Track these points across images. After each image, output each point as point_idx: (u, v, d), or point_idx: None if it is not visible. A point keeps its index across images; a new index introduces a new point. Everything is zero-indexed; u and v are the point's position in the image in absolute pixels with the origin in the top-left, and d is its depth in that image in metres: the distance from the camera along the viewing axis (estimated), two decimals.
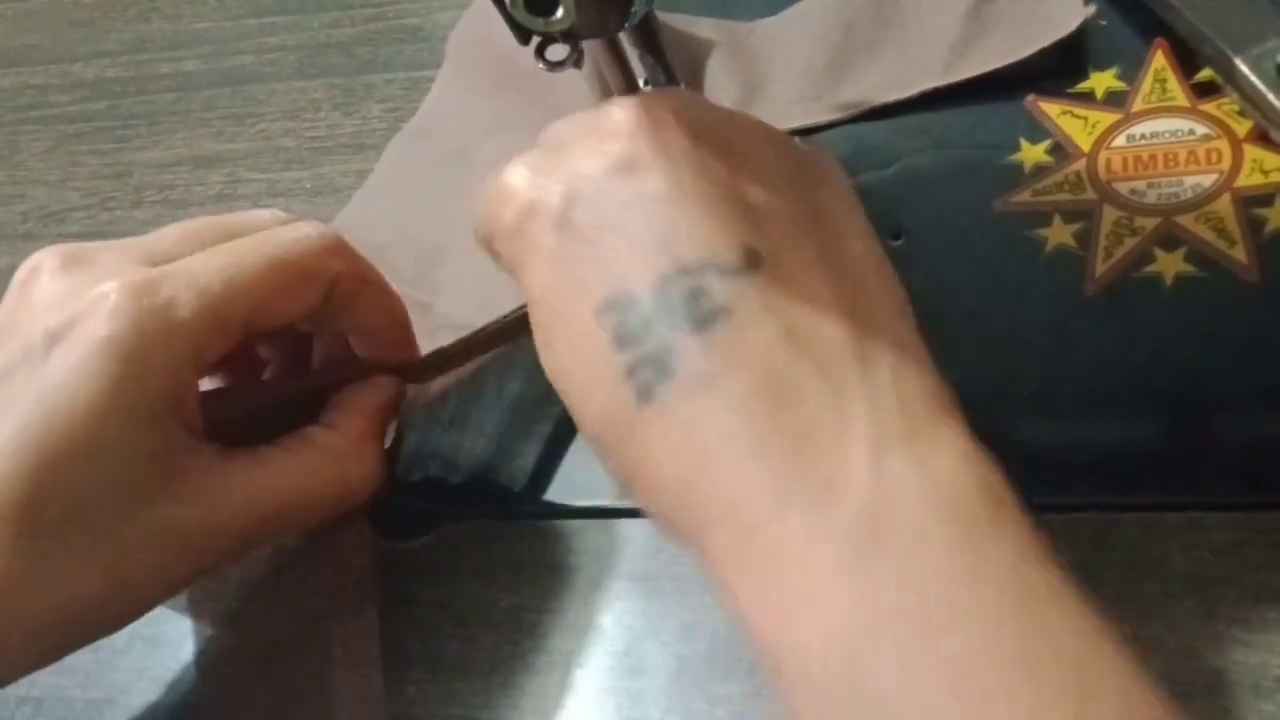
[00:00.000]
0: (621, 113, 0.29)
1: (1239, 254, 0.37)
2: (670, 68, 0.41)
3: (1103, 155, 0.41)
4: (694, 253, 0.26)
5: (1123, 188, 0.40)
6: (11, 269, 0.53)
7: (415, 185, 0.49)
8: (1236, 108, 0.40)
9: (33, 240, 0.56)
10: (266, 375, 0.39)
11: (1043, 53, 0.44)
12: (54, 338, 0.30)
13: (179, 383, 0.31)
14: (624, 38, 0.38)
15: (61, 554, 0.29)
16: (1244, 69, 0.39)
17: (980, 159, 0.43)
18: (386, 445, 0.38)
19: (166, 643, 0.39)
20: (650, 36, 0.39)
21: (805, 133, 0.46)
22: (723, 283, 0.26)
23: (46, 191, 0.58)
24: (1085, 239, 0.39)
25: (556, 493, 0.39)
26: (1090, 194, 0.40)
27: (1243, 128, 0.40)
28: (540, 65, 0.34)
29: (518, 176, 0.30)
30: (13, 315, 0.32)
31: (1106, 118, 0.42)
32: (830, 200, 0.30)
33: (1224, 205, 0.38)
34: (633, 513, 0.37)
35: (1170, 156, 0.40)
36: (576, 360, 0.28)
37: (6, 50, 0.69)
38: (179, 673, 0.38)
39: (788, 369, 0.25)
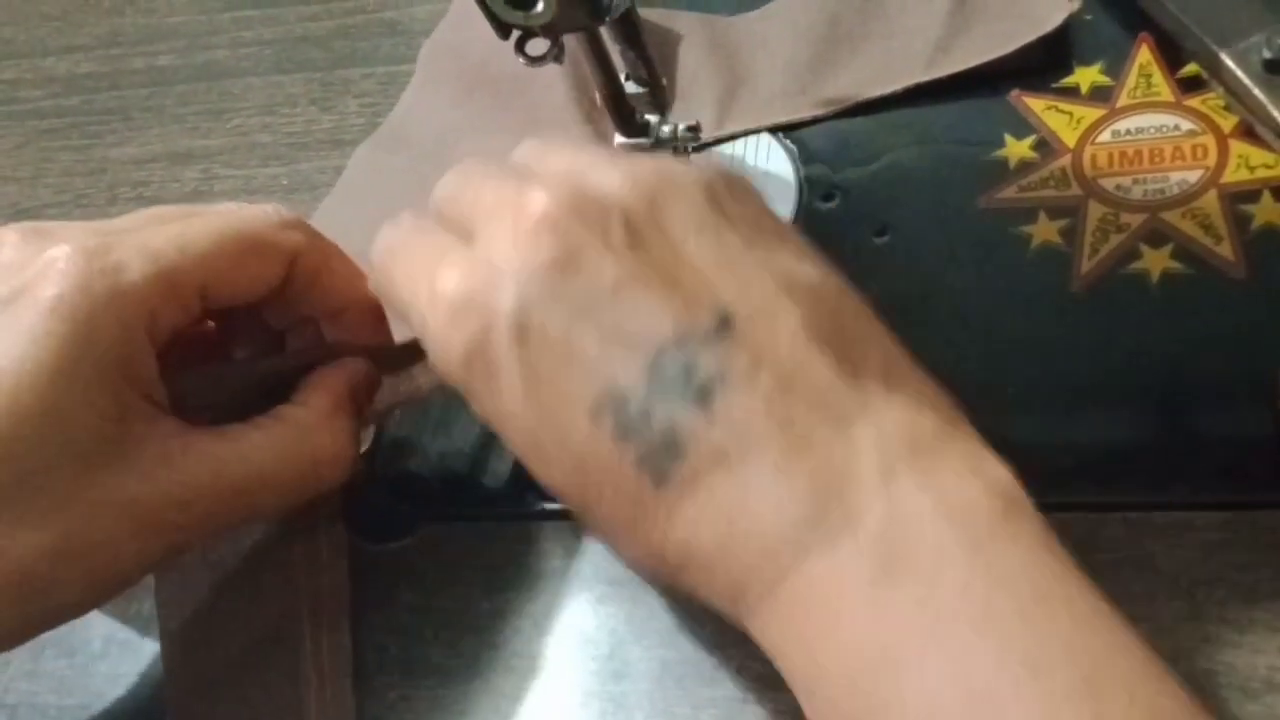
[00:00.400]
0: (537, 204, 0.28)
1: (1225, 250, 0.37)
2: (651, 62, 0.41)
3: (1088, 151, 0.41)
4: (669, 330, 0.26)
5: (1108, 184, 0.40)
6: None
7: (386, 192, 0.49)
8: (1222, 103, 0.40)
9: None
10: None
11: (1027, 48, 0.43)
12: (3, 303, 0.30)
13: (131, 346, 0.30)
14: (605, 33, 0.38)
15: (11, 521, 0.29)
16: (1229, 63, 0.39)
17: (965, 155, 0.42)
18: (366, 445, 0.37)
19: (142, 649, 0.38)
20: (631, 31, 0.39)
21: (789, 128, 0.46)
22: (706, 351, 0.26)
23: (18, 188, 0.57)
24: (1071, 235, 0.39)
25: (540, 494, 0.39)
26: (1075, 190, 0.40)
27: (1229, 123, 0.40)
28: (521, 60, 0.34)
29: (449, 289, 0.28)
30: None
31: (1091, 113, 0.42)
32: (758, 224, 0.30)
33: (1210, 201, 0.38)
34: None
35: (1156, 152, 0.40)
36: (580, 467, 0.27)
37: None
38: (155, 679, 0.37)
39: (789, 420, 0.25)
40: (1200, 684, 0.30)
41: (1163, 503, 0.33)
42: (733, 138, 0.46)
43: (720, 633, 0.34)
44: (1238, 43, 0.39)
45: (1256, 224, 0.37)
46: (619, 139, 0.42)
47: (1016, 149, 0.42)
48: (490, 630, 0.36)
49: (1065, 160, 0.41)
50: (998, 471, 0.26)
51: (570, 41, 0.35)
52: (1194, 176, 0.39)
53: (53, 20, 0.67)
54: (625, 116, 0.41)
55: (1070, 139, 0.41)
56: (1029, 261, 0.39)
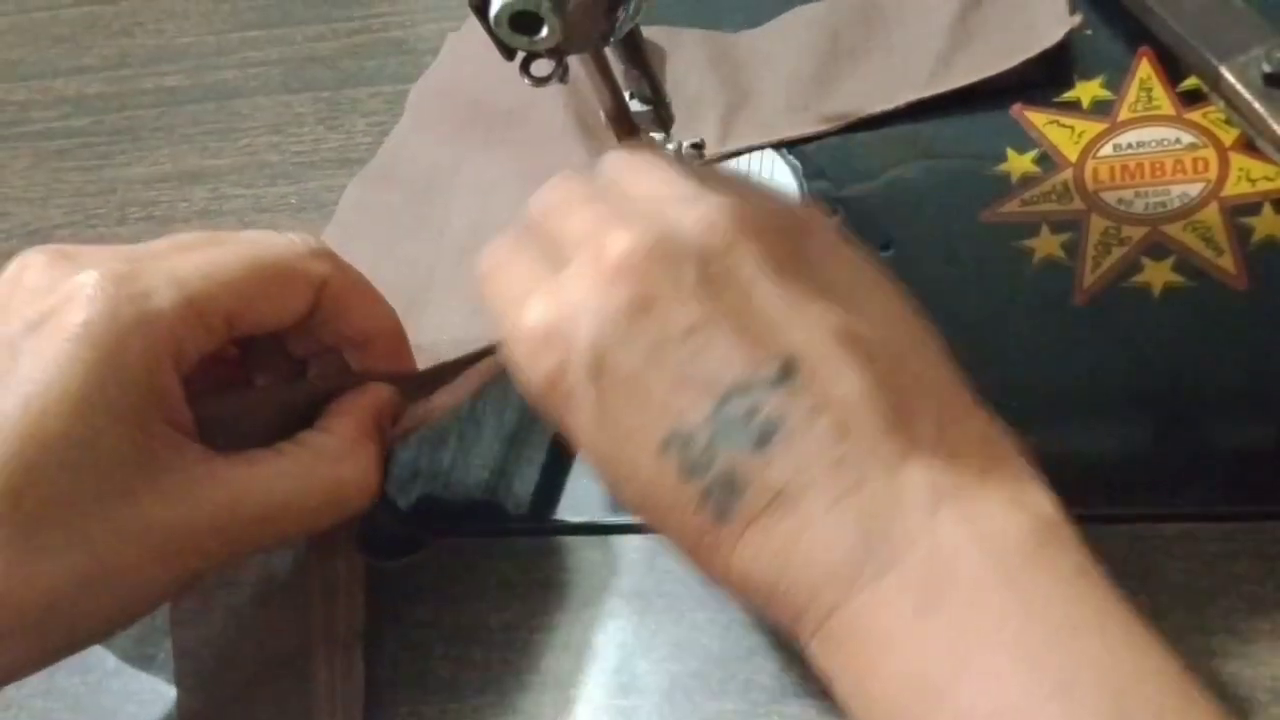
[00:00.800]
0: (617, 246, 0.29)
1: (1226, 263, 0.37)
2: (655, 80, 0.41)
3: (1090, 165, 0.41)
4: (735, 376, 0.28)
5: (1110, 197, 0.40)
6: None
7: (380, 227, 0.49)
8: (1223, 116, 0.40)
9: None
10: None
11: (1029, 63, 0.44)
12: (31, 327, 0.30)
13: (157, 373, 0.31)
14: (609, 52, 0.38)
15: (37, 549, 0.29)
16: (1229, 77, 0.39)
17: (967, 169, 0.43)
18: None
19: (155, 666, 0.38)
20: (635, 51, 0.39)
21: (793, 144, 0.46)
22: (769, 396, 0.27)
23: (29, 209, 0.58)
24: (1073, 249, 0.39)
25: (549, 509, 0.39)
26: (1078, 204, 0.40)
27: (1229, 136, 0.40)
28: (526, 81, 0.34)
29: (535, 320, 0.30)
30: None
31: (1093, 127, 0.42)
32: (827, 260, 0.31)
33: (1211, 214, 0.38)
34: (625, 529, 0.37)
35: (1157, 165, 0.40)
36: (649, 495, 0.29)
37: None
38: (168, 698, 0.38)
39: (843, 461, 0.27)
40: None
41: (1168, 514, 0.33)
42: (737, 154, 0.47)
43: (728, 647, 0.34)
44: (1237, 57, 0.39)
45: (1257, 236, 0.37)
46: None
47: (1019, 163, 0.42)
48: (500, 645, 0.36)
49: (1067, 174, 0.41)
50: (1039, 501, 0.27)
51: (573, 61, 0.35)
52: (1195, 189, 0.39)
53: (63, 41, 0.68)
54: (630, 134, 0.42)
55: (1072, 153, 0.42)
56: (1032, 275, 0.39)
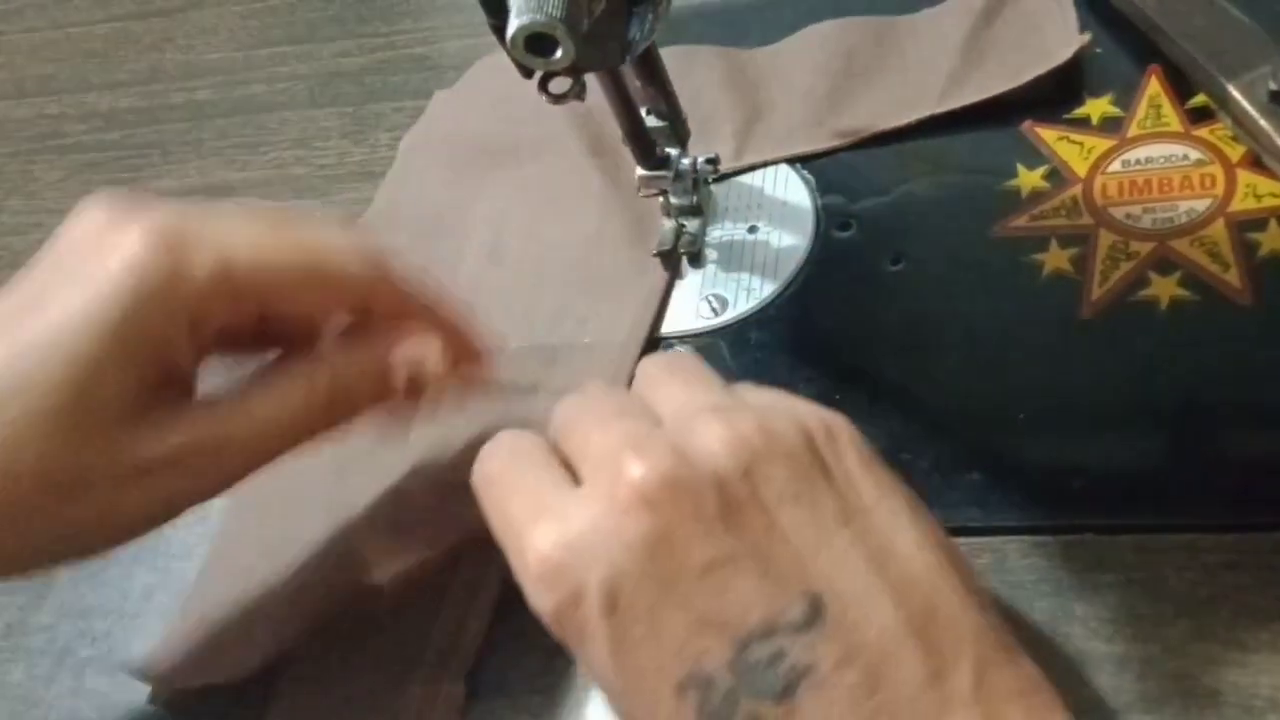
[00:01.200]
0: (634, 475, 0.28)
1: (1233, 278, 0.38)
2: (672, 96, 0.42)
3: (1098, 180, 0.42)
4: (758, 617, 0.26)
5: (1118, 212, 0.41)
6: None
7: None
8: (1230, 133, 0.41)
9: None
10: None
11: (1039, 80, 0.44)
12: (76, 265, 0.32)
13: (170, 340, 0.32)
14: (625, 70, 0.39)
15: (43, 436, 0.31)
16: (1236, 95, 0.40)
17: (978, 184, 0.43)
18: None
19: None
20: (652, 68, 0.40)
21: (806, 159, 0.47)
22: (795, 642, 0.26)
23: (61, 220, 0.58)
24: (1081, 263, 0.40)
25: None
26: (1086, 219, 0.41)
27: (1236, 153, 0.40)
28: (544, 98, 0.35)
29: (546, 547, 0.28)
30: (53, 244, 0.33)
31: (1102, 143, 0.43)
32: (854, 478, 0.29)
33: (1218, 229, 0.39)
34: None
35: (1165, 181, 0.41)
36: None
37: (22, 80, 0.70)
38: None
39: (876, 715, 0.25)
40: (1206, 703, 0.30)
41: (1171, 525, 0.34)
42: (751, 169, 0.47)
43: None
44: (1245, 75, 0.40)
45: (1263, 252, 0.38)
46: (639, 171, 0.43)
47: (1029, 179, 0.43)
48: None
49: (1076, 190, 0.42)
50: None
51: (589, 78, 0.36)
52: (1202, 205, 0.40)
53: (95, 57, 0.69)
54: (646, 150, 0.43)
55: (1081, 169, 0.42)
56: (1040, 289, 0.40)
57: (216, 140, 0.60)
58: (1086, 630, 0.32)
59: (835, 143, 0.47)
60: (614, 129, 0.42)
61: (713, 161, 0.45)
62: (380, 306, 0.35)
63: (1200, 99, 0.42)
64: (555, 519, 0.29)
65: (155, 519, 0.34)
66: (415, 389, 0.35)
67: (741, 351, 0.42)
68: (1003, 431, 0.37)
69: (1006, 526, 0.35)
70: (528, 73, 0.33)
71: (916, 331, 0.40)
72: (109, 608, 0.42)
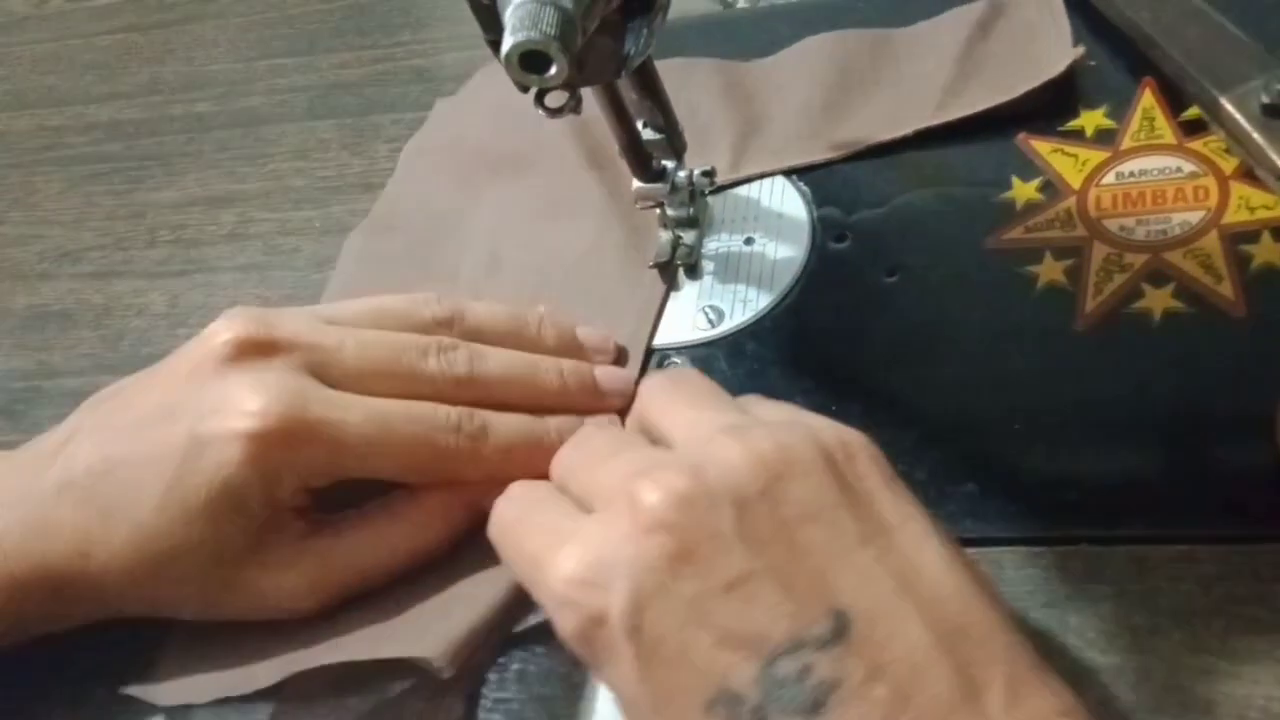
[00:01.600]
0: (650, 499, 0.28)
1: (1226, 290, 0.38)
2: (668, 109, 0.42)
3: (1093, 192, 0.42)
4: (784, 633, 0.26)
5: (1112, 224, 0.41)
6: (30, 308, 0.55)
7: (385, 275, 0.49)
8: (1223, 145, 0.41)
9: (48, 280, 0.57)
10: None
11: (1034, 92, 0.45)
12: (194, 438, 0.35)
13: (280, 493, 0.36)
14: (622, 83, 0.39)
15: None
16: (1229, 107, 0.40)
17: (973, 196, 0.44)
18: None
19: None
20: (647, 81, 0.41)
21: (802, 171, 0.47)
22: (822, 657, 0.26)
23: (62, 231, 0.59)
24: (1075, 275, 0.40)
25: None
26: (1080, 231, 0.41)
27: (1229, 165, 0.41)
28: (540, 112, 0.35)
29: (569, 571, 0.29)
30: (179, 389, 0.36)
31: (1096, 155, 0.43)
32: (875, 495, 0.29)
33: (1211, 242, 0.39)
34: None
35: (1158, 194, 0.41)
36: None
37: (23, 92, 0.70)
38: None
39: None
40: (1200, 714, 0.30)
41: (1166, 536, 0.34)
42: (748, 180, 0.48)
43: None
44: (1237, 87, 0.40)
45: (1256, 264, 0.38)
46: (636, 184, 0.44)
47: (1023, 191, 0.43)
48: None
49: (1070, 202, 0.42)
50: None
51: (586, 92, 0.36)
52: (1195, 217, 0.40)
53: (96, 69, 0.70)
54: (643, 163, 0.43)
55: (1075, 181, 0.42)
56: (1035, 300, 0.40)
57: (216, 152, 0.61)
58: (1082, 641, 0.32)
59: (831, 155, 0.47)
60: (611, 140, 0.43)
61: (709, 174, 0.45)
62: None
63: (1193, 111, 0.42)
64: (577, 543, 0.29)
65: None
66: None
67: (738, 363, 0.42)
68: (998, 442, 0.37)
69: (1002, 537, 0.35)
70: (524, 88, 0.34)
71: (912, 343, 0.41)
72: None
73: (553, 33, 0.29)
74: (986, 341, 0.40)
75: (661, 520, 0.27)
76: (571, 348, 0.41)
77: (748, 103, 0.50)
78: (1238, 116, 0.40)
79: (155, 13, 0.73)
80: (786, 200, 0.46)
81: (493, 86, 0.55)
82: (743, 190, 0.47)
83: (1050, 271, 0.40)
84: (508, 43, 0.30)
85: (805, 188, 0.47)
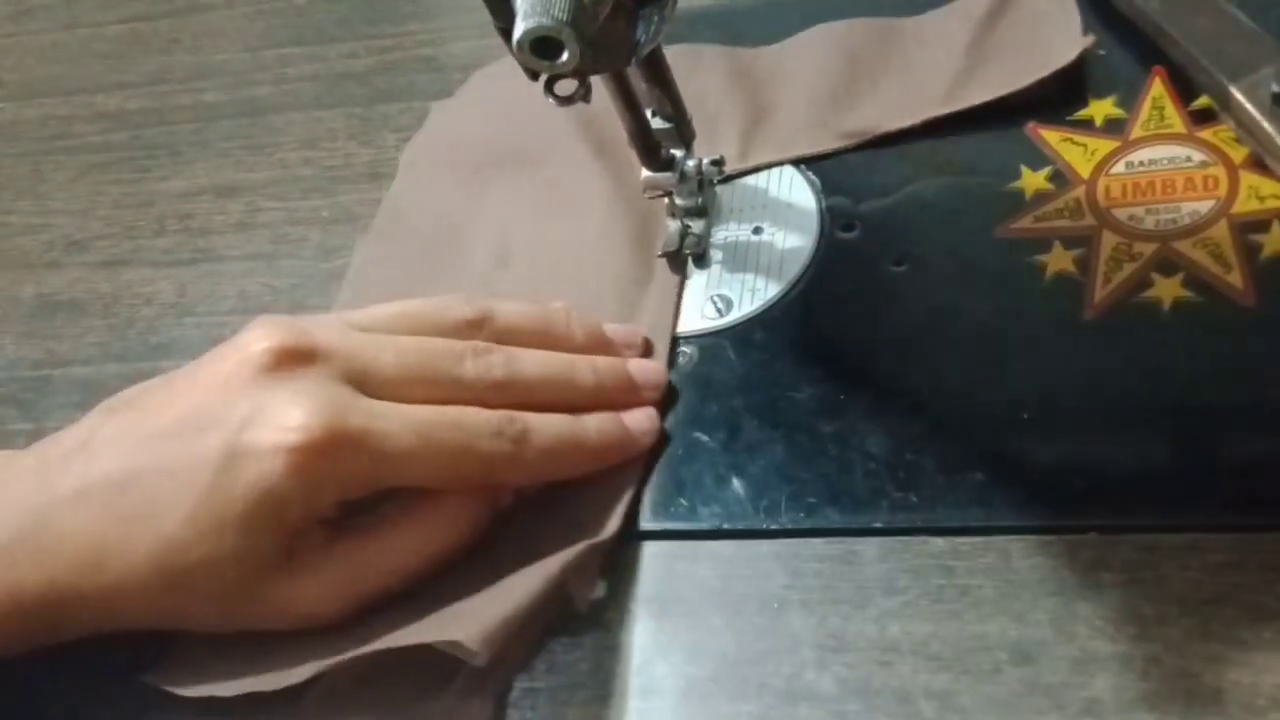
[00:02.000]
0: None
1: (1235, 279, 0.38)
2: (677, 98, 0.42)
3: (1102, 182, 0.42)
4: None
5: (1121, 214, 0.41)
6: (38, 297, 0.56)
7: (397, 278, 0.49)
8: (1233, 135, 0.41)
9: (56, 269, 0.57)
10: None
11: (1043, 82, 0.45)
12: (232, 450, 0.34)
13: (315, 505, 0.35)
14: (631, 72, 0.39)
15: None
16: (1239, 97, 0.40)
17: (982, 186, 0.44)
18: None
19: None
20: (657, 69, 0.41)
21: (811, 160, 0.47)
22: None
23: (70, 220, 0.59)
24: (1085, 264, 0.40)
25: None
26: (1089, 220, 0.41)
27: (1239, 154, 0.41)
28: (550, 100, 0.35)
29: None
30: (212, 399, 0.36)
31: (1106, 145, 0.43)
32: None
33: (1221, 231, 0.39)
34: (642, 535, 0.38)
35: (1168, 183, 0.41)
36: None
37: (32, 81, 0.70)
38: None
39: None
40: (1207, 702, 0.30)
41: (1174, 525, 0.34)
42: (756, 170, 0.48)
43: (742, 650, 0.35)
44: (1247, 76, 0.40)
45: (1265, 253, 0.38)
46: (645, 173, 0.44)
47: (1032, 180, 0.43)
48: None
49: (1080, 191, 0.42)
50: None
51: (595, 80, 0.36)
52: (1205, 207, 0.40)
53: (104, 58, 0.70)
54: (651, 152, 0.43)
55: (1085, 170, 0.42)
56: (1044, 290, 0.40)
57: (224, 141, 0.61)
58: (1090, 629, 0.32)
59: (840, 144, 0.47)
60: (617, 131, 0.43)
61: (718, 163, 0.45)
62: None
63: (1203, 101, 0.42)
64: None
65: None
66: None
67: (746, 352, 0.42)
68: (1006, 432, 0.37)
69: (1010, 526, 0.35)
70: (534, 75, 0.34)
71: (920, 332, 0.41)
72: None
73: (565, 18, 0.29)
74: (995, 331, 0.40)
75: None
76: (601, 342, 0.41)
77: (756, 91, 0.50)
78: (1248, 106, 0.40)
79: (163, 2, 0.73)
80: (795, 189, 0.46)
81: (491, 87, 0.55)
82: (751, 179, 0.47)
83: (1059, 261, 0.40)
84: (520, 28, 0.30)
85: (814, 177, 0.47)
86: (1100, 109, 0.44)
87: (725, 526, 0.37)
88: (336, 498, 0.36)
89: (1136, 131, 0.43)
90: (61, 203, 0.61)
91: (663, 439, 0.40)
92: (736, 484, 0.38)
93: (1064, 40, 0.45)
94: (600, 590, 0.37)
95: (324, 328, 0.37)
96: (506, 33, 0.32)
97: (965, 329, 0.40)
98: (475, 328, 0.39)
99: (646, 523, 0.38)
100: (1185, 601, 0.32)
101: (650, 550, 0.38)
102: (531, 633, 0.36)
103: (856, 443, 0.38)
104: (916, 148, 0.46)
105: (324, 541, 0.36)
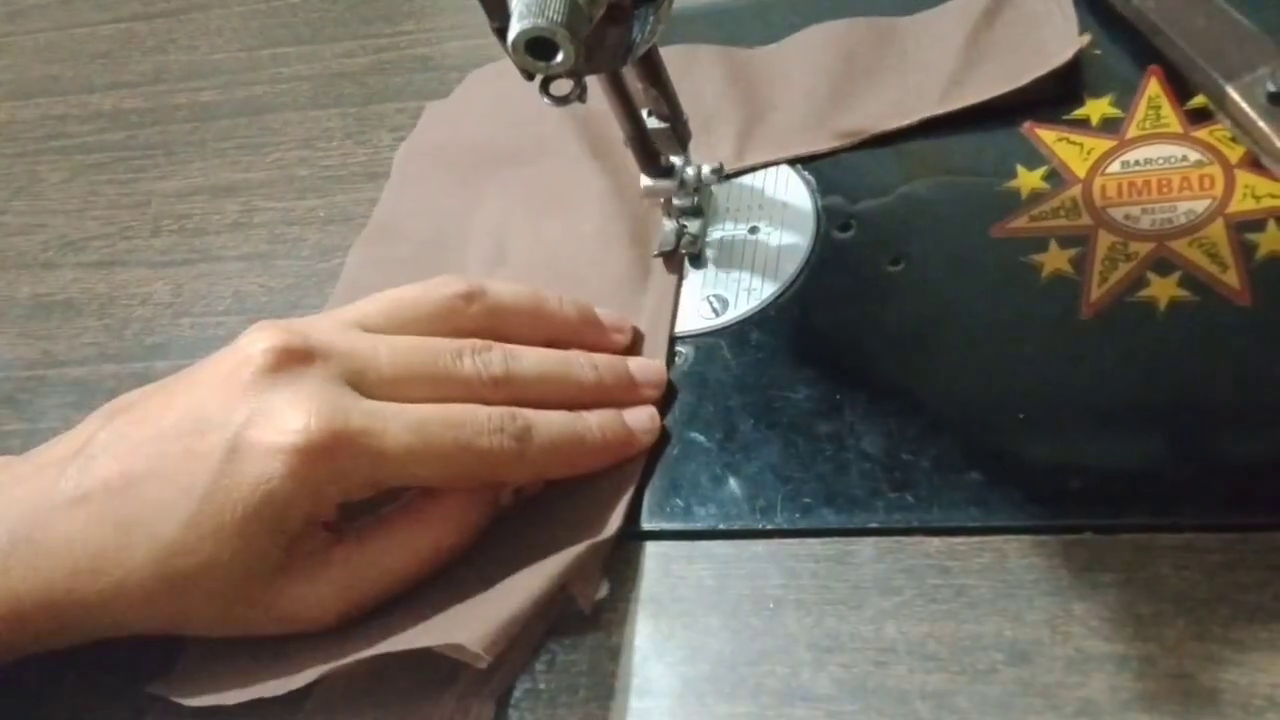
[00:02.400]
0: None
1: (1231, 279, 0.38)
2: (674, 98, 0.42)
3: (1098, 181, 0.42)
4: None
5: (1117, 213, 0.41)
6: (34, 297, 0.55)
7: (392, 280, 0.48)
8: (1229, 134, 0.41)
9: (52, 269, 0.57)
10: None
11: (1039, 81, 0.45)
12: (232, 452, 0.34)
13: (320, 507, 0.35)
14: (627, 72, 0.39)
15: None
16: (1235, 96, 0.40)
17: (978, 185, 0.44)
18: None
19: None
20: (653, 69, 0.40)
21: (807, 160, 0.47)
22: None
23: (66, 220, 0.59)
24: (1081, 264, 0.40)
25: None
26: (1085, 219, 0.41)
27: (1235, 154, 0.41)
28: (546, 101, 0.35)
29: None
30: (210, 402, 0.35)
31: (1102, 144, 0.43)
32: None
33: (1216, 230, 0.39)
34: (639, 535, 0.38)
35: (1164, 182, 0.41)
36: None
37: (27, 81, 0.70)
38: None
39: None
40: (1204, 702, 0.30)
41: (1170, 524, 0.34)
42: (753, 169, 0.48)
43: (739, 651, 0.35)
44: (1243, 76, 0.40)
45: (1261, 253, 0.38)
46: (644, 180, 0.44)
47: (1028, 180, 0.43)
48: None
49: (1076, 190, 0.42)
50: None
51: (590, 80, 0.36)
52: (1201, 206, 0.40)
53: (100, 58, 0.70)
54: (650, 155, 0.43)
55: (1081, 170, 0.42)
56: (1040, 289, 0.40)
57: (220, 141, 0.61)
58: (1086, 629, 0.32)
59: (836, 143, 0.47)
60: (613, 130, 0.43)
61: (717, 171, 0.45)
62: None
63: (1199, 100, 0.42)
64: None
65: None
66: None
67: (742, 351, 0.42)
68: (1002, 431, 0.37)
69: (1006, 526, 0.35)
70: (529, 76, 0.34)
71: (916, 332, 0.41)
72: None
73: (560, 19, 0.29)
74: (991, 330, 0.40)
75: None
76: (591, 321, 0.42)
77: (752, 91, 0.50)
78: (1244, 105, 0.40)
79: (159, 1, 0.73)
80: (791, 189, 0.46)
81: (486, 88, 0.55)
82: (747, 179, 0.47)
83: (1055, 260, 0.40)
84: (515, 29, 0.30)
85: (810, 176, 0.47)
86: (1096, 108, 0.44)
87: (721, 527, 0.37)
88: (337, 499, 0.35)
89: (1132, 131, 0.43)
90: (57, 203, 0.61)
91: (663, 438, 0.40)
92: (732, 484, 0.38)
93: (1060, 40, 0.45)
94: (604, 590, 0.37)
95: (321, 329, 0.37)
96: (502, 32, 0.32)
97: (961, 329, 0.40)
98: (468, 301, 0.39)
99: (643, 523, 0.38)
100: (1181, 601, 0.32)
101: (647, 551, 0.38)
102: (533, 634, 0.36)
103: (852, 443, 0.38)
104: (913, 147, 0.46)
105: (324, 544, 0.36)
